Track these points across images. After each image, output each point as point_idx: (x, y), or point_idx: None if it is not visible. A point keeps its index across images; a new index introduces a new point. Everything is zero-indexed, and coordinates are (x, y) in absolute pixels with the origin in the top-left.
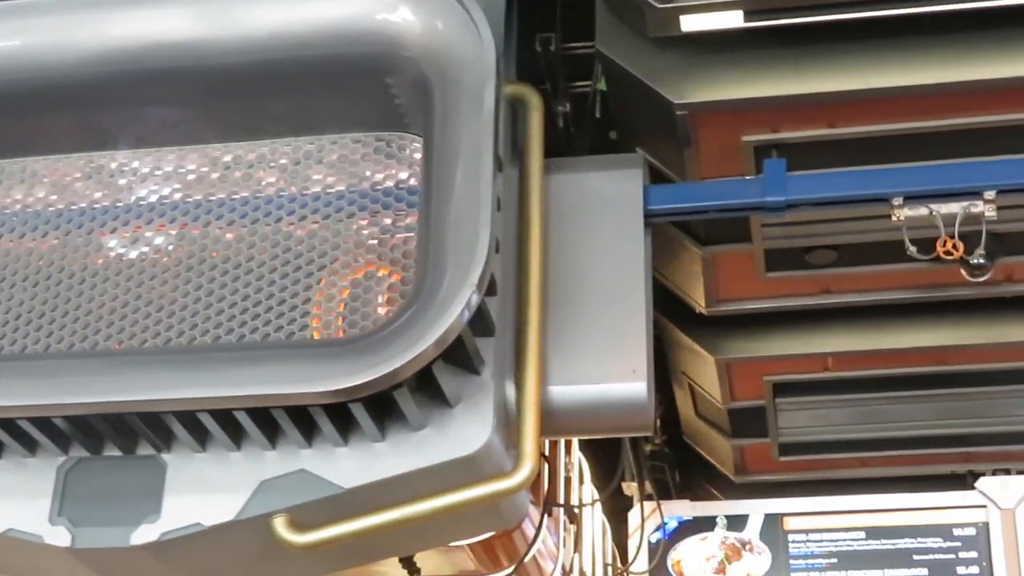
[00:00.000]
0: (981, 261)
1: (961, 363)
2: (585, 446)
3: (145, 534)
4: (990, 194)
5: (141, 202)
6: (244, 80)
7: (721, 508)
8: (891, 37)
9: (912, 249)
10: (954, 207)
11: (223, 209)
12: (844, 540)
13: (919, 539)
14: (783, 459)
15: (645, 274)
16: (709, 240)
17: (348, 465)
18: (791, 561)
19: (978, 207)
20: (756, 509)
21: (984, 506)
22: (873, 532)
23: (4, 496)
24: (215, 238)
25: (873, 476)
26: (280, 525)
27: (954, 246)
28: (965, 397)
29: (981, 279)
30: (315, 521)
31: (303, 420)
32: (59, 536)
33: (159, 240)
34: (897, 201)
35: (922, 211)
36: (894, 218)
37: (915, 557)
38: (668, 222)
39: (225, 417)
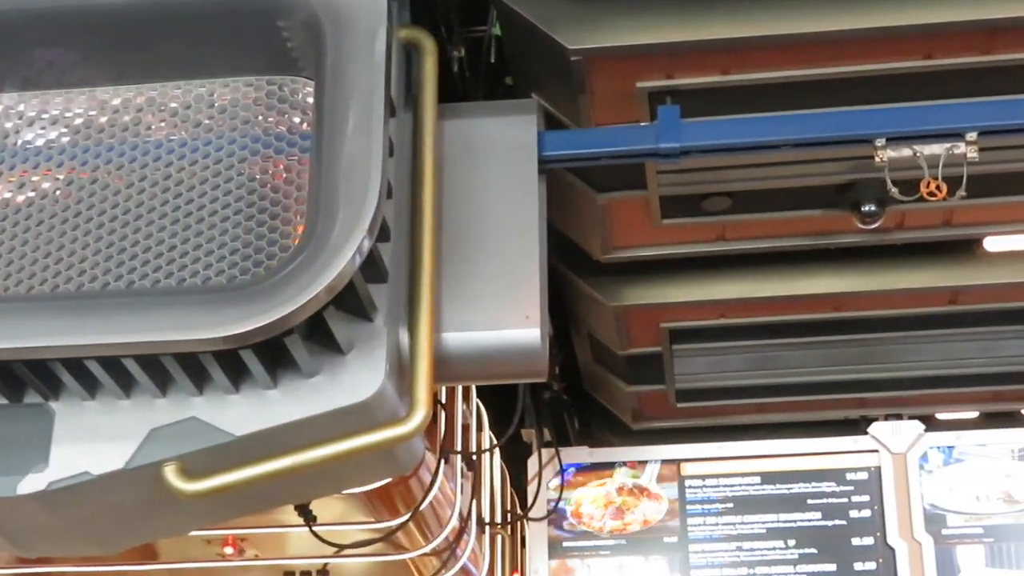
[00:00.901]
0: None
1: (854, 310)
2: (484, 393)
3: (33, 483)
4: (972, 135)
5: (27, 146)
6: (132, 21)
7: (619, 454)
8: None
9: (894, 190)
10: (936, 148)
11: (112, 154)
12: (740, 485)
13: (813, 483)
14: (680, 405)
15: (539, 220)
16: (605, 187)
17: (240, 412)
18: (688, 506)
19: (960, 148)
20: (653, 455)
21: (876, 451)
22: (768, 477)
23: None
24: (104, 183)
25: (768, 422)
26: (171, 473)
27: (937, 187)
28: (858, 343)
29: (873, 226)
30: (207, 469)
31: (194, 367)
32: None
33: (46, 185)
34: (880, 142)
35: (906, 152)
36: (877, 159)
37: (809, 501)
38: (563, 168)
39: (114, 364)
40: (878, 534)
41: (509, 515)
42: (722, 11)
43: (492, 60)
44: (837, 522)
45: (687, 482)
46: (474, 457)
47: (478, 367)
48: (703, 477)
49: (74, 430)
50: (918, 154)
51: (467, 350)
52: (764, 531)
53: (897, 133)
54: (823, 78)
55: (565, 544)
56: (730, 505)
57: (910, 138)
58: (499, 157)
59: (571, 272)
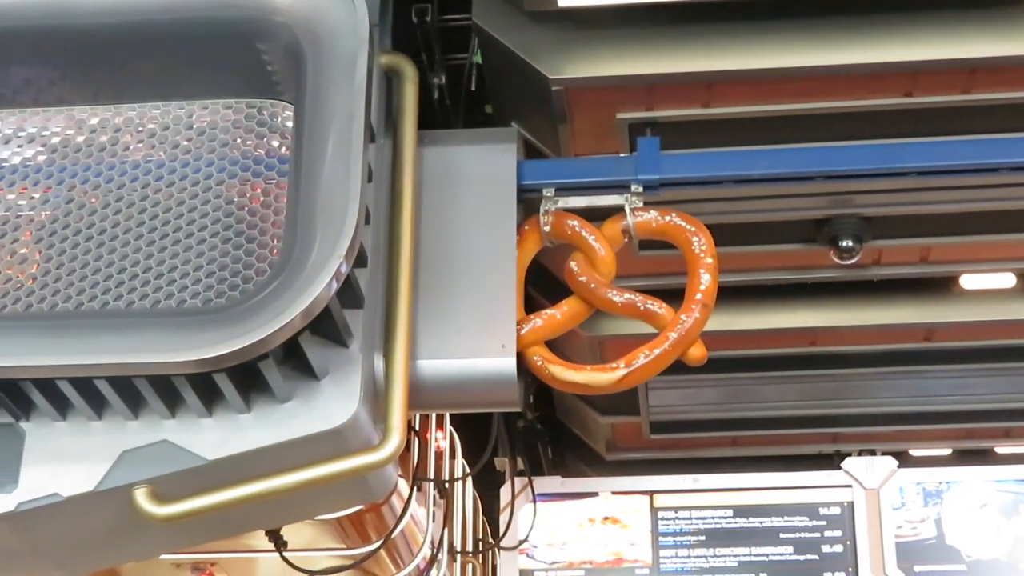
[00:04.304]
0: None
1: (830, 345)
2: (458, 420)
3: (1, 504)
4: None
5: (3, 164)
6: (112, 42)
7: (592, 484)
8: (765, 19)
9: None
10: None
11: (88, 173)
12: (712, 518)
13: (786, 517)
14: (654, 437)
15: (516, 250)
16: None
17: (212, 436)
18: (660, 538)
19: None
20: (626, 486)
21: (849, 486)
22: (741, 510)
23: None
24: (80, 203)
25: (742, 455)
26: (141, 496)
27: None
28: (833, 379)
29: (850, 262)
30: (178, 493)
31: (166, 390)
32: None
33: (22, 203)
34: None
35: None
36: None
37: (781, 535)
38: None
39: (85, 386)
40: (850, 569)
41: (480, 544)
42: (703, 45)
43: (472, 88)
44: (809, 557)
45: (660, 514)
46: (446, 485)
47: (452, 395)
48: (676, 509)
49: (44, 451)
50: None
51: (442, 378)
52: (736, 564)
53: (878, 170)
54: (804, 113)
55: (536, 574)
56: (702, 538)
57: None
58: (478, 185)
59: (547, 300)
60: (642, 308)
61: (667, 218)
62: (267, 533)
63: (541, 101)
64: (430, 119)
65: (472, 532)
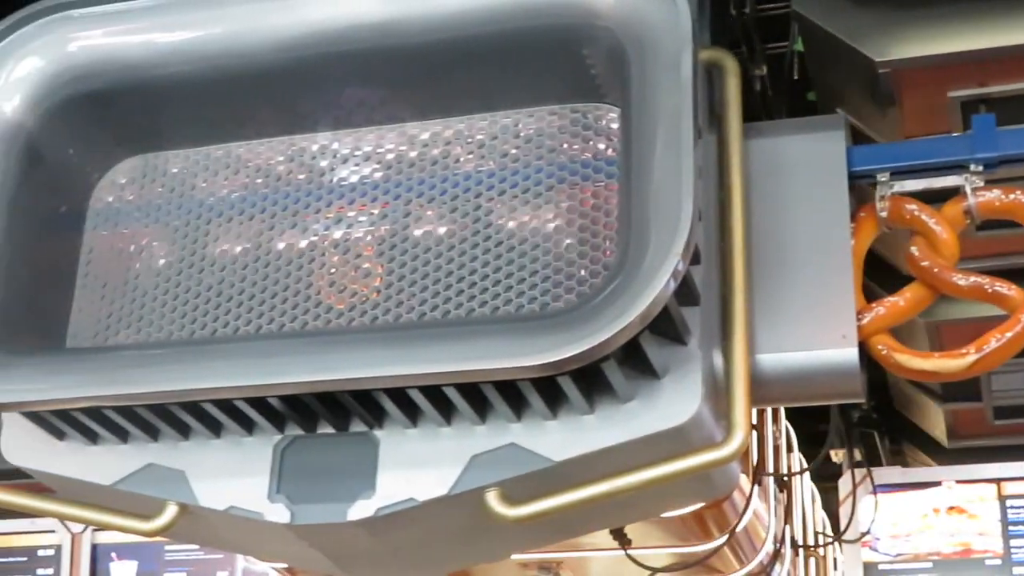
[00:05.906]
0: None
1: None
2: (791, 413)
3: (361, 510)
4: None
5: (342, 183)
6: (439, 58)
7: (934, 474)
8: None
9: None
10: None
11: (423, 187)
12: None
13: None
14: (998, 423)
15: (851, 237)
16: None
17: (557, 438)
18: (1010, 528)
19: None
20: (971, 474)
21: None
22: None
23: (224, 475)
24: (416, 216)
25: None
26: (493, 499)
27: None
28: None
29: None
30: (525, 495)
31: (511, 394)
32: (278, 513)
33: (362, 219)
34: None
35: None
36: None
37: None
38: (872, 184)
39: (435, 393)
40: None
41: (821, 537)
42: None
43: (795, 76)
44: None
45: (1009, 502)
46: (786, 479)
47: (794, 389)
48: None
49: (398, 458)
50: None
51: (782, 371)
52: None
53: None
54: None
55: (881, 567)
56: None
57: None
58: (807, 174)
59: (880, 288)
60: (990, 291)
61: (1012, 196)
62: (611, 531)
63: (867, 85)
64: (753, 111)
65: (812, 526)
